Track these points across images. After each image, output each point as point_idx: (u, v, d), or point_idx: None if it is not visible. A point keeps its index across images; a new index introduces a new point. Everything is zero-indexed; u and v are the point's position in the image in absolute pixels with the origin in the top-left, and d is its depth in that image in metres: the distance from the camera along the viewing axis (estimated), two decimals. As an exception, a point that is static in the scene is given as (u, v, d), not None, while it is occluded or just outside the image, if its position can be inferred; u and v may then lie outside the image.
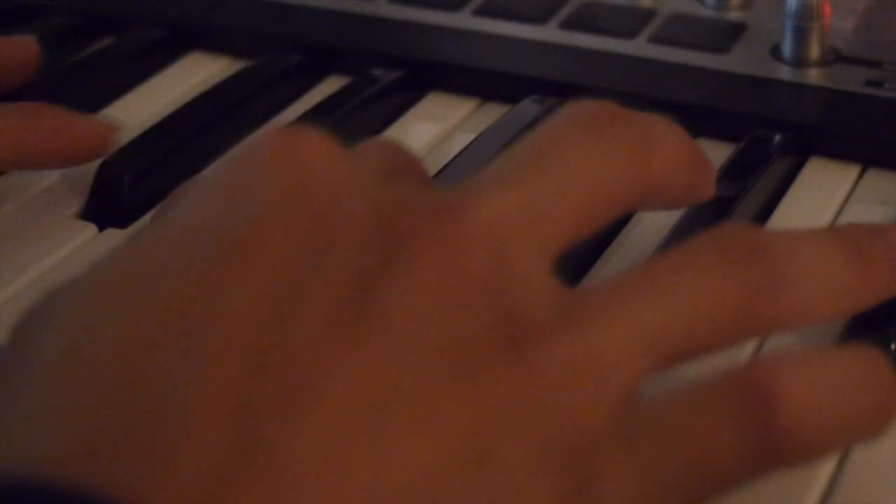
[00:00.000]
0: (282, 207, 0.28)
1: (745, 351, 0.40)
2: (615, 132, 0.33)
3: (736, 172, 0.48)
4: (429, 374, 0.26)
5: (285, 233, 0.27)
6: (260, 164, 0.29)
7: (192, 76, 0.60)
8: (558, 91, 0.54)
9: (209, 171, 0.30)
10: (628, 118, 0.34)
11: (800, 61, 0.54)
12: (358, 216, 0.28)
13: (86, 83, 0.58)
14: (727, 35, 0.57)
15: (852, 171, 0.50)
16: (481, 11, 0.60)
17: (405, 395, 0.26)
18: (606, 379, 0.28)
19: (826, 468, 0.35)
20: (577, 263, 0.45)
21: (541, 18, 0.59)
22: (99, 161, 0.50)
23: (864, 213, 0.47)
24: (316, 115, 0.53)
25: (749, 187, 0.46)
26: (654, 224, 0.47)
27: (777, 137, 0.50)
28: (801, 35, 0.54)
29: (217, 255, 0.27)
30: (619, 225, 0.47)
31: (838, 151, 0.50)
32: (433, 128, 0.55)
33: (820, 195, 0.48)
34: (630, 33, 0.57)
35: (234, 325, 0.26)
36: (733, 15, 0.59)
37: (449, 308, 0.27)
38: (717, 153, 0.51)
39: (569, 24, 0.58)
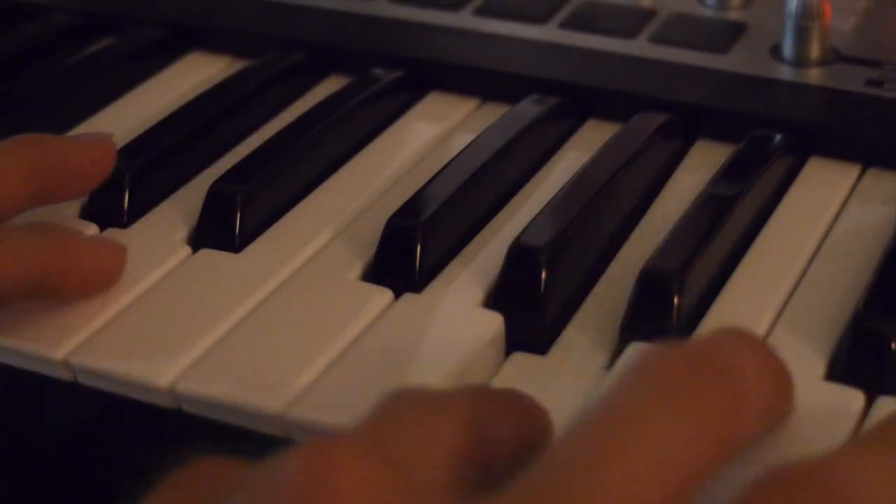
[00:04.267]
0: None
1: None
2: (701, 390, 0.28)
3: (736, 172, 0.48)
4: None
5: None
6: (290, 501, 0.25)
7: (192, 76, 0.60)
8: (558, 91, 0.54)
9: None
10: (712, 364, 0.29)
11: (800, 61, 0.54)
12: None
13: (86, 83, 0.58)
14: (727, 35, 0.57)
15: (852, 171, 0.50)
16: (481, 11, 0.60)
17: None
18: None
19: None
20: (579, 267, 0.45)
21: (541, 18, 0.59)
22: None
23: (864, 213, 0.47)
24: (316, 115, 0.53)
25: (749, 187, 0.46)
26: (654, 224, 0.47)
27: (777, 137, 0.50)
28: (801, 35, 0.54)
29: None
30: (619, 225, 0.47)
31: (838, 151, 0.50)
32: (433, 128, 0.55)
33: (820, 195, 0.48)
34: (630, 33, 0.57)
35: None
36: (733, 15, 0.59)
37: None
38: (717, 153, 0.51)
39: (569, 24, 0.58)
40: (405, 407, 0.29)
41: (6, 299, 0.41)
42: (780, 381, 0.31)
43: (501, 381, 0.40)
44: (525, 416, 0.32)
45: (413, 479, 0.27)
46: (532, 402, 0.32)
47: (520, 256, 0.43)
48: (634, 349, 0.39)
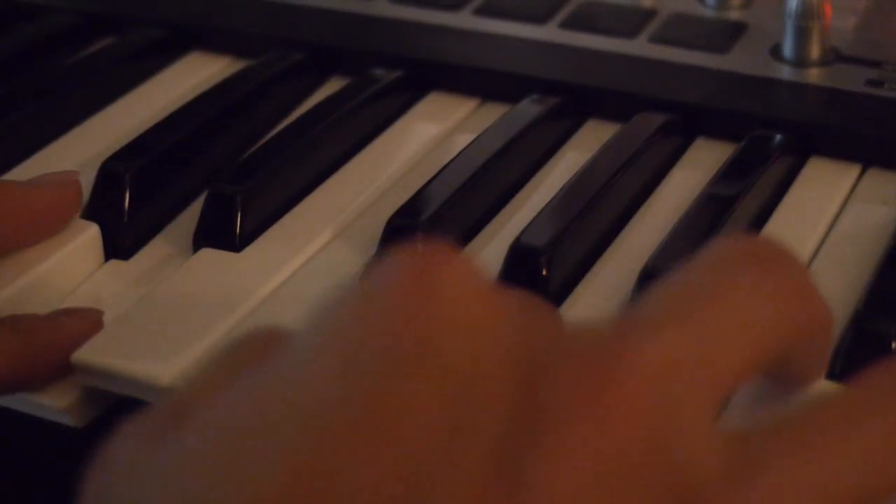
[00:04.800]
0: (413, 367, 0.24)
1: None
2: (780, 273, 0.30)
3: (736, 172, 0.48)
4: None
5: (416, 399, 0.24)
6: (390, 306, 0.25)
7: (192, 76, 0.60)
8: (558, 91, 0.54)
9: (327, 307, 0.26)
10: (789, 260, 0.30)
11: (800, 61, 0.54)
12: (500, 371, 0.25)
13: (86, 83, 0.58)
14: (727, 35, 0.57)
15: (852, 171, 0.50)
16: (481, 11, 0.60)
17: None
18: None
19: None
20: (576, 263, 0.45)
21: (541, 18, 0.59)
22: (100, 161, 0.50)
23: (864, 213, 0.47)
24: (317, 115, 0.53)
25: (749, 187, 0.47)
26: (653, 224, 0.47)
27: (777, 137, 0.50)
28: (801, 35, 0.54)
29: (343, 430, 0.24)
30: (619, 225, 0.47)
31: (838, 151, 0.50)
32: (433, 128, 0.55)
33: (820, 195, 0.48)
34: (630, 33, 0.57)
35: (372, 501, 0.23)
36: (733, 15, 0.59)
37: (609, 479, 0.25)
38: (717, 153, 0.51)
39: (569, 24, 0.58)
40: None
41: None
42: (827, 311, 0.32)
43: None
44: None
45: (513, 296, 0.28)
46: None
47: (520, 256, 0.43)
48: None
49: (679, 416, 0.26)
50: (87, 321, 0.43)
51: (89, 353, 0.41)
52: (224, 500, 0.23)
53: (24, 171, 0.53)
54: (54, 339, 0.42)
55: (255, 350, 0.27)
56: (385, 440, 0.23)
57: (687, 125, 0.52)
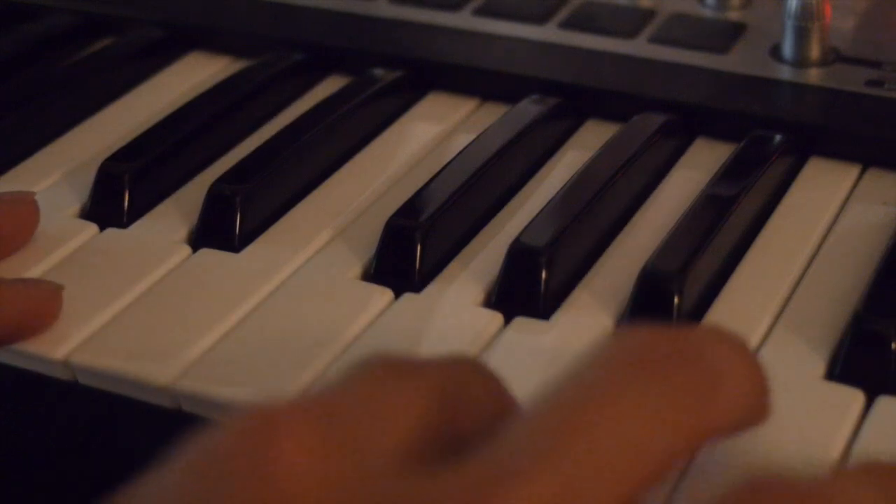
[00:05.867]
0: None
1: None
2: (674, 375, 0.28)
3: (736, 172, 0.48)
4: None
5: None
6: (221, 483, 0.25)
7: (192, 76, 0.60)
8: (558, 91, 0.54)
9: (163, 474, 0.26)
10: (688, 352, 0.28)
11: (800, 61, 0.54)
12: None
13: (86, 83, 0.58)
14: (727, 35, 0.57)
15: (852, 171, 0.50)
16: (481, 11, 0.60)
17: None
18: None
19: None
20: (576, 263, 0.45)
21: (541, 18, 0.59)
22: (100, 161, 0.50)
23: (864, 213, 0.47)
24: (316, 115, 0.53)
25: (749, 187, 0.46)
26: (653, 223, 0.47)
27: (777, 137, 0.50)
28: (801, 35, 0.54)
29: None
30: (619, 225, 0.47)
31: (838, 151, 0.50)
32: (433, 128, 0.55)
33: (820, 195, 0.48)
34: (630, 33, 0.57)
35: None
36: (733, 15, 0.59)
37: None
38: (717, 153, 0.51)
39: (569, 24, 0.58)
40: (373, 373, 0.28)
41: None
42: (757, 381, 0.30)
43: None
44: (495, 388, 0.31)
45: (361, 451, 0.26)
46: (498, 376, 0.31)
47: (520, 256, 0.43)
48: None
49: None
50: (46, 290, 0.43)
51: (89, 353, 0.42)
52: None
53: (25, 171, 0.53)
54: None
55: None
56: None
57: (687, 125, 0.52)
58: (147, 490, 0.26)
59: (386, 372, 0.28)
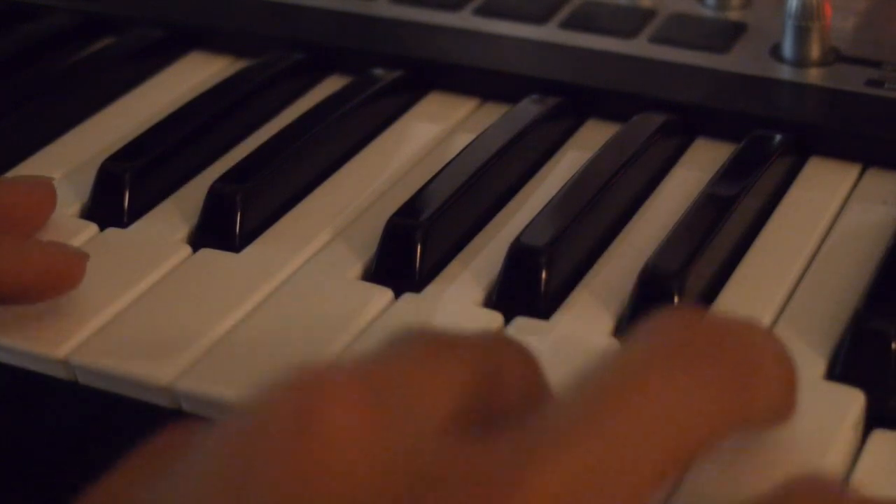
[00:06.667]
0: None
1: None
2: (713, 362, 0.28)
3: (736, 172, 0.48)
4: None
5: None
6: (269, 445, 0.24)
7: (192, 76, 0.60)
8: (558, 91, 0.54)
9: (209, 438, 0.26)
10: (728, 340, 0.28)
11: (800, 61, 0.54)
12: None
13: (86, 83, 0.58)
14: (727, 35, 0.57)
15: (852, 171, 0.50)
16: (481, 11, 0.60)
17: None
18: None
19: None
20: (576, 263, 0.45)
21: (541, 18, 0.59)
22: (100, 161, 0.50)
23: (864, 213, 0.47)
24: (316, 115, 0.53)
25: (749, 187, 0.46)
26: (654, 223, 0.47)
27: (777, 137, 0.50)
28: (801, 35, 0.54)
29: None
30: (619, 225, 0.47)
31: (838, 151, 0.50)
32: (433, 128, 0.55)
33: (820, 195, 0.48)
34: (630, 33, 0.57)
35: None
36: (733, 15, 0.59)
37: None
38: (717, 153, 0.51)
39: (569, 24, 0.58)
40: (414, 346, 0.28)
41: None
42: (789, 377, 0.31)
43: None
44: (531, 367, 0.31)
45: (405, 421, 0.26)
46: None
47: (520, 256, 0.43)
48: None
49: None
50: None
51: (89, 352, 0.42)
52: None
53: (25, 171, 0.53)
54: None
55: (160, 452, 0.28)
56: None
57: (687, 125, 0.52)
58: (190, 454, 0.26)
59: (427, 345, 0.28)
